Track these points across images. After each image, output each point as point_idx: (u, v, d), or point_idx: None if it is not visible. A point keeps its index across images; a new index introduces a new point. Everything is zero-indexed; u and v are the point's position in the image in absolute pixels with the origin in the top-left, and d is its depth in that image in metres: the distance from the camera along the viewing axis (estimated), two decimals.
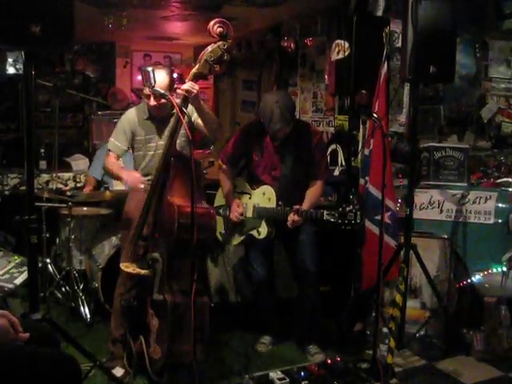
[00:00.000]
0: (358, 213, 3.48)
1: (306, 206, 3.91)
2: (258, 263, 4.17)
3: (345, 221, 3.50)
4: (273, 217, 3.98)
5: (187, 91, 3.26)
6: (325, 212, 3.62)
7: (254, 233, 4.07)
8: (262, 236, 4.03)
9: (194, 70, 3.30)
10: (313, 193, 4.04)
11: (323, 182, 4.09)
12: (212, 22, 3.18)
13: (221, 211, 4.25)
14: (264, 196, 4.04)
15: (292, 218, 3.82)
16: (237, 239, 4.21)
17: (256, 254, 4.17)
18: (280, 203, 3.94)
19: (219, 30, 3.17)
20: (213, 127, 3.62)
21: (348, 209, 3.49)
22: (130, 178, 3.64)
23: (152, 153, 3.75)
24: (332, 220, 3.57)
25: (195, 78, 3.29)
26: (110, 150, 3.82)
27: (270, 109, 3.78)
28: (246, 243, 4.20)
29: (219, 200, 4.33)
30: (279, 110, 3.76)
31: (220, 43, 3.21)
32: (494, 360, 4.04)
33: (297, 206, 3.83)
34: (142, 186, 3.54)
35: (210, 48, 3.23)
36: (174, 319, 3.24)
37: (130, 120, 3.77)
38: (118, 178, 3.82)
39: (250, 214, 4.10)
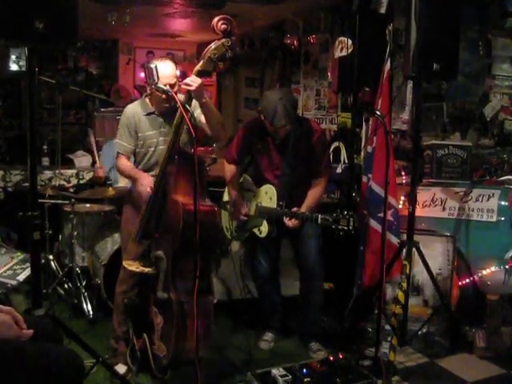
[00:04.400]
0: (352, 219, 3.46)
1: (305, 207, 3.92)
2: (264, 257, 4.20)
3: (338, 226, 3.50)
4: (273, 217, 3.98)
5: (188, 85, 3.26)
6: (319, 216, 3.61)
7: (256, 231, 4.08)
8: (263, 235, 4.04)
9: (197, 68, 3.29)
10: (313, 193, 4.03)
11: (325, 179, 4.09)
12: (216, 19, 3.16)
13: (228, 206, 4.26)
14: (266, 195, 4.04)
15: (289, 220, 3.83)
16: (242, 235, 4.24)
17: (262, 248, 4.20)
18: (281, 203, 3.93)
19: (223, 26, 3.16)
20: (215, 125, 3.61)
21: (342, 215, 3.49)
22: (145, 182, 3.58)
23: (153, 149, 3.74)
24: (326, 224, 3.57)
25: (199, 75, 3.28)
26: (119, 153, 3.79)
27: (274, 105, 3.75)
28: (253, 238, 4.20)
29: (228, 195, 4.34)
30: (283, 106, 3.74)
31: (224, 40, 3.19)
32: (496, 358, 4.05)
33: (294, 209, 3.83)
34: (149, 189, 3.52)
35: (213, 45, 3.21)
36: (178, 317, 3.24)
37: (130, 117, 3.75)
38: (133, 179, 3.80)
39: (252, 212, 4.11)
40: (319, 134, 4.08)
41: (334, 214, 3.52)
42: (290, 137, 3.95)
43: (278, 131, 3.88)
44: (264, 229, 4.02)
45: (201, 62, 3.27)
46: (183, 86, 3.32)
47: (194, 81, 3.26)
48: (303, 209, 3.88)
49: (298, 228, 3.92)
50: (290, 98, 3.92)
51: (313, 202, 3.98)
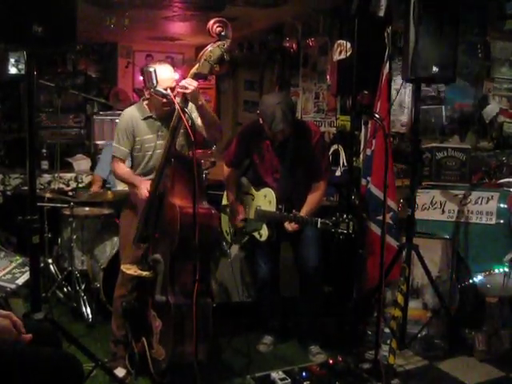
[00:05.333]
0: (351, 223, 3.47)
1: (304, 210, 3.91)
2: (263, 260, 4.20)
3: (338, 230, 3.50)
4: (272, 220, 3.98)
5: (183, 87, 3.26)
6: (319, 220, 3.61)
7: (256, 235, 4.08)
8: (263, 238, 4.04)
9: (193, 70, 3.30)
10: (313, 197, 4.02)
11: (325, 182, 4.08)
12: (211, 22, 3.17)
13: (228, 210, 4.26)
14: (265, 199, 4.04)
15: (288, 224, 3.83)
16: (242, 238, 4.24)
17: (262, 251, 4.21)
18: (280, 207, 3.93)
19: (219, 29, 3.16)
20: (212, 129, 3.61)
21: (341, 218, 3.49)
22: (144, 189, 3.56)
23: (150, 153, 3.73)
24: (326, 228, 3.57)
25: (195, 78, 3.29)
26: (115, 157, 3.77)
27: (272, 110, 3.75)
28: (252, 241, 4.20)
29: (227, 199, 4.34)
30: (281, 110, 3.73)
31: (220, 43, 3.19)
32: (496, 360, 4.05)
33: (294, 212, 3.83)
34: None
35: (209, 48, 3.22)
36: (177, 320, 3.24)
37: (127, 121, 3.74)
38: (130, 184, 3.79)
39: (252, 215, 4.10)
40: (318, 136, 4.07)
41: (334, 218, 3.52)
42: (288, 140, 3.95)
43: (276, 135, 3.88)
44: (264, 232, 4.02)
45: (197, 65, 3.27)
46: (179, 90, 3.32)
47: (189, 83, 3.26)
48: (303, 213, 3.87)
49: (297, 231, 3.92)
50: (288, 102, 3.92)
51: (313, 206, 3.97)
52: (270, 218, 3.99)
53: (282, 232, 4.02)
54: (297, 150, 3.98)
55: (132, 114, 3.75)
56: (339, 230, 3.48)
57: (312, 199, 4.00)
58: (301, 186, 4.05)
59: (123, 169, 3.78)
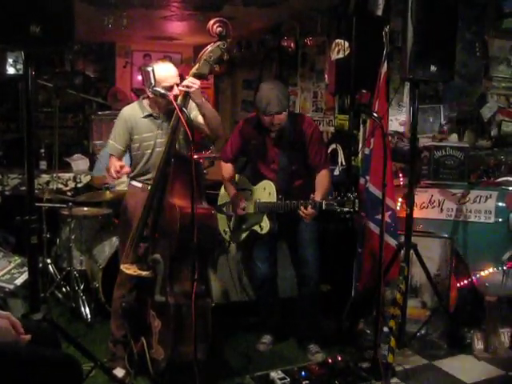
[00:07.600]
0: (356, 200, 3.49)
1: (319, 195, 3.84)
2: (261, 259, 4.20)
3: (343, 209, 3.50)
4: (274, 211, 3.98)
5: (187, 86, 3.26)
6: (324, 202, 3.62)
7: (257, 228, 4.07)
8: (265, 231, 4.03)
9: (193, 70, 3.30)
10: (322, 182, 3.98)
11: (328, 171, 4.05)
12: (212, 22, 3.17)
13: (224, 209, 4.26)
14: (264, 191, 4.04)
15: (305, 211, 3.74)
16: (241, 235, 4.23)
17: (259, 250, 4.20)
18: (280, 197, 3.93)
19: (219, 29, 3.17)
20: (213, 124, 3.61)
21: (346, 197, 3.50)
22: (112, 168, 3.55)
23: (150, 151, 3.71)
24: (331, 209, 3.57)
25: (195, 78, 3.29)
26: (111, 154, 3.74)
27: (267, 94, 3.78)
28: (250, 240, 4.20)
29: (223, 198, 4.34)
30: (276, 95, 3.75)
31: (220, 43, 3.20)
32: (495, 359, 4.05)
33: (312, 196, 3.75)
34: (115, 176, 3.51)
35: (209, 48, 3.22)
36: (176, 320, 3.23)
37: (126, 119, 3.73)
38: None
39: (251, 209, 4.10)
40: (314, 127, 4.07)
41: (339, 198, 3.52)
42: (285, 130, 3.95)
43: (272, 122, 3.85)
44: (265, 224, 4.01)
45: (197, 65, 3.28)
46: (181, 88, 3.32)
47: (193, 82, 3.26)
48: (317, 197, 3.78)
49: (296, 227, 3.92)
50: (282, 88, 3.94)
51: (323, 191, 3.91)
52: (271, 209, 3.97)
53: (281, 229, 4.02)
54: (294, 140, 3.98)
55: (131, 113, 3.74)
56: (345, 209, 3.49)
57: (321, 184, 3.96)
58: (299, 175, 4.04)
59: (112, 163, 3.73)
